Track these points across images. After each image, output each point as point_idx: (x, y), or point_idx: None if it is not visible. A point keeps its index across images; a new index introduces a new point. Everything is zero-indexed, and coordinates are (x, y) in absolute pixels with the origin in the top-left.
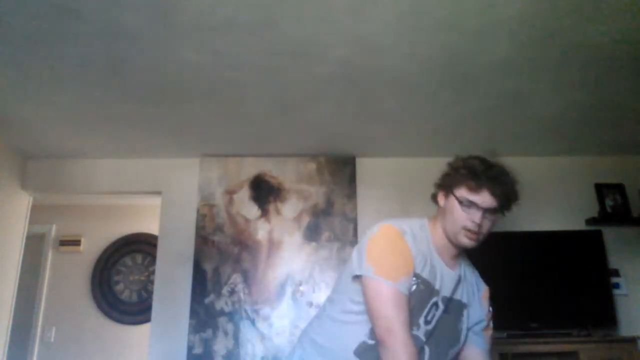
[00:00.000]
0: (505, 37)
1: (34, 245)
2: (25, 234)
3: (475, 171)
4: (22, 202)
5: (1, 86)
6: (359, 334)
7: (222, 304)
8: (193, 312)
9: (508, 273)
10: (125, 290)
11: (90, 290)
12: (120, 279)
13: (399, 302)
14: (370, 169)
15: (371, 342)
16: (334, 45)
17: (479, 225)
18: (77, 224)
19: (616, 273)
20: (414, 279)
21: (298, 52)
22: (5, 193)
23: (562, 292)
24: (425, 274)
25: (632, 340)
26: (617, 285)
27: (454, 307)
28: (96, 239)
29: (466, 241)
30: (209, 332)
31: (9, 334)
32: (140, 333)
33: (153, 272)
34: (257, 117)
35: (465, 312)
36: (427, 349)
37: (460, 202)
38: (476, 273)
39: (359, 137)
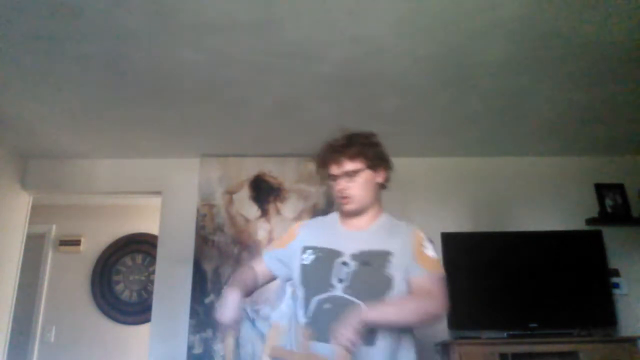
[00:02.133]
0: (505, 37)
1: (34, 245)
2: (25, 234)
3: (321, 152)
4: (22, 202)
5: (1, 86)
6: None
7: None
8: (193, 312)
9: (508, 273)
10: (125, 290)
11: (90, 290)
12: (120, 279)
13: (258, 261)
14: None
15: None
16: (334, 46)
17: (344, 190)
18: (77, 224)
19: (616, 273)
20: (310, 250)
21: (298, 52)
22: (5, 193)
23: (562, 292)
24: (322, 243)
25: (632, 340)
26: (617, 285)
27: (374, 258)
28: (96, 239)
29: (344, 207)
30: (209, 332)
31: (9, 334)
32: (140, 333)
33: (153, 272)
34: (257, 117)
35: (390, 259)
36: (359, 303)
37: (328, 180)
38: (408, 224)
39: None
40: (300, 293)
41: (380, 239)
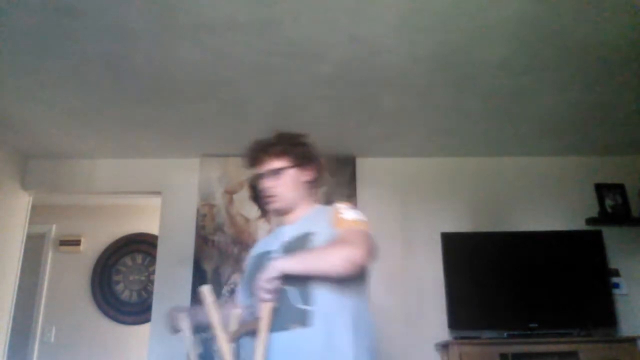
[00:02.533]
0: (505, 37)
1: (34, 245)
2: (25, 234)
3: (248, 151)
4: (22, 202)
5: (1, 86)
6: None
7: (222, 304)
8: None
9: (508, 273)
10: (125, 290)
11: (90, 290)
12: (120, 279)
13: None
14: (370, 169)
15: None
16: (334, 45)
17: (269, 188)
18: (77, 224)
19: (616, 273)
20: (248, 262)
21: (298, 52)
22: (5, 193)
23: (562, 292)
24: (257, 250)
25: (632, 340)
26: (617, 285)
27: (296, 242)
28: (96, 239)
29: (269, 205)
30: (209, 332)
31: (9, 334)
32: (140, 333)
33: (153, 272)
34: (257, 117)
35: (312, 238)
36: (290, 289)
37: (257, 179)
38: (327, 208)
39: (359, 137)
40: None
41: (307, 225)
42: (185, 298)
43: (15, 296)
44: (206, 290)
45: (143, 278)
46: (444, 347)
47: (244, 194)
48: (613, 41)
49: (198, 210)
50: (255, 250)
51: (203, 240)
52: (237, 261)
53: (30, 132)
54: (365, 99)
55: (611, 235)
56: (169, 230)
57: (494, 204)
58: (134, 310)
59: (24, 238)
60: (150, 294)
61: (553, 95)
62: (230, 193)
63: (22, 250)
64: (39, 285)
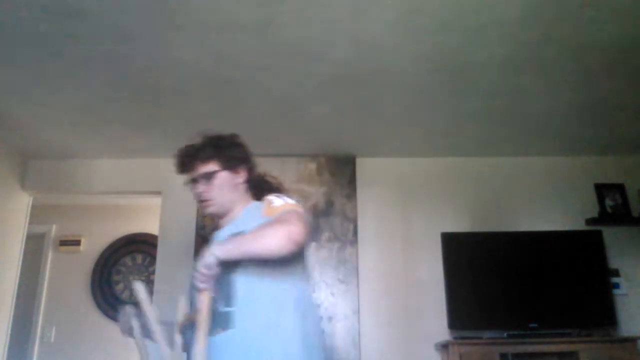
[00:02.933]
0: (505, 37)
1: (34, 245)
2: (25, 234)
3: (176, 157)
4: (22, 202)
5: (1, 86)
6: None
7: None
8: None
9: (508, 273)
10: (125, 290)
11: (90, 290)
12: (120, 279)
13: None
14: (370, 169)
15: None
16: (334, 45)
17: (201, 193)
18: (77, 224)
19: (616, 273)
20: None
21: (298, 52)
22: (5, 193)
23: (562, 292)
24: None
25: (632, 340)
26: (617, 285)
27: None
28: (96, 239)
29: (204, 210)
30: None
31: (9, 334)
32: None
33: (153, 272)
34: (257, 117)
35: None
36: (237, 278)
37: (190, 184)
38: (260, 203)
39: (359, 137)
40: None
41: (240, 224)
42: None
43: (15, 296)
44: (138, 286)
45: (143, 278)
46: (444, 347)
47: None
48: (613, 41)
49: (198, 210)
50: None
51: (203, 240)
52: None
53: (30, 132)
54: (365, 98)
55: (611, 235)
56: (169, 230)
57: (494, 204)
58: None
59: (24, 238)
60: (150, 294)
61: (553, 95)
62: None
63: (22, 251)
64: (39, 285)
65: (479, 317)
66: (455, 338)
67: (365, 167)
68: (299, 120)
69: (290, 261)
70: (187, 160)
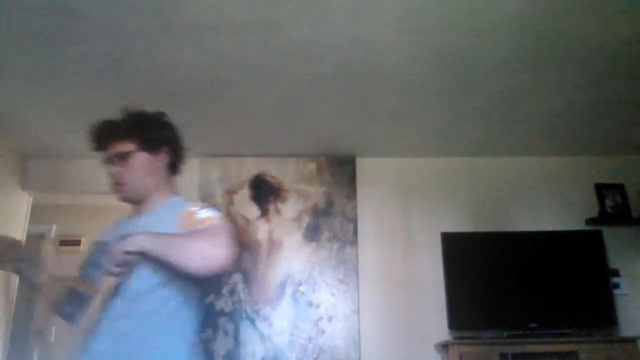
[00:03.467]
0: (505, 37)
1: (34, 245)
2: (25, 234)
3: (92, 131)
4: (22, 202)
5: (1, 86)
6: None
7: (222, 304)
8: None
9: (508, 273)
10: None
11: None
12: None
13: None
14: (370, 169)
15: None
16: (334, 45)
17: (116, 175)
18: (77, 224)
19: (616, 273)
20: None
21: (298, 52)
22: (5, 193)
23: (562, 292)
24: (101, 237)
25: (632, 340)
26: (617, 285)
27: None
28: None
29: (117, 194)
30: (209, 332)
31: (9, 334)
32: None
33: None
34: (257, 117)
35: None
36: (136, 272)
37: (105, 164)
38: (180, 206)
39: (359, 137)
40: None
41: (152, 220)
42: None
43: (15, 296)
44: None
45: None
46: (444, 347)
47: (244, 194)
48: (613, 41)
49: None
50: (99, 237)
51: None
52: (237, 261)
53: (30, 132)
54: (365, 99)
55: (611, 235)
56: None
57: (494, 204)
58: None
59: (24, 238)
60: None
61: (553, 95)
62: (230, 193)
63: None
64: None
65: (478, 317)
66: (455, 338)
67: (365, 167)
68: (299, 121)
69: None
70: (104, 136)
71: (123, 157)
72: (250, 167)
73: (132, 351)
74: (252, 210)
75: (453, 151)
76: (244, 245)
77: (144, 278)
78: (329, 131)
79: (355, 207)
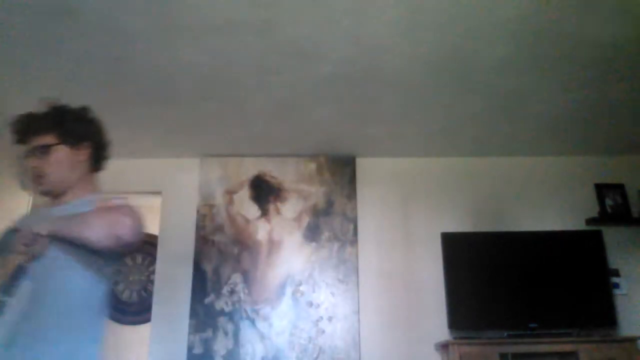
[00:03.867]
0: (505, 37)
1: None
2: None
3: (14, 124)
4: (22, 202)
5: (1, 86)
6: None
7: (222, 304)
8: (193, 312)
9: (508, 273)
10: (125, 290)
11: None
12: (120, 279)
13: None
14: (370, 169)
15: None
16: (334, 46)
17: (34, 168)
18: None
19: (616, 273)
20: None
21: (298, 52)
22: (5, 193)
23: (562, 292)
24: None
25: (632, 340)
26: (617, 285)
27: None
28: None
29: (36, 188)
30: (209, 332)
31: None
32: (140, 333)
33: (153, 272)
34: (257, 117)
35: None
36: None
37: (25, 157)
38: (97, 199)
39: (359, 137)
40: None
41: (70, 209)
42: (186, 298)
43: None
44: None
45: (143, 278)
46: (443, 347)
47: (244, 194)
48: (613, 41)
49: (198, 210)
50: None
51: (203, 240)
52: (237, 261)
53: None
54: (365, 99)
55: (611, 235)
56: (169, 230)
57: (494, 204)
58: (134, 310)
59: None
60: (150, 294)
61: (553, 95)
62: (230, 193)
63: None
64: None
65: (478, 317)
66: (455, 338)
67: (365, 167)
68: (299, 121)
69: (104, 262)
70: (25, 129)
71: (44, 150)
72: (250, 167)
73: (39, 333)
74: (252, 210)
75: (453, 151)
76: (244, 245)
77: (52, 260)
78: (329, 131)
79: (355, 207)
